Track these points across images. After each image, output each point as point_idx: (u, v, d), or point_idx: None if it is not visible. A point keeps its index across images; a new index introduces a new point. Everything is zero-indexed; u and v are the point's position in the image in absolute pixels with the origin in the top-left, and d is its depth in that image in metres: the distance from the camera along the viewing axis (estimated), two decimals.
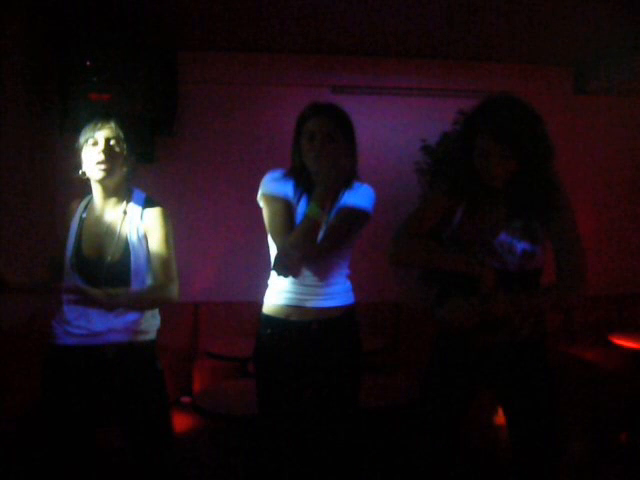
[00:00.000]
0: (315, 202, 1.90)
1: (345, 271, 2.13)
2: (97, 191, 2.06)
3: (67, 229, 2.09)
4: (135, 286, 2.01)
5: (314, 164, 1.96)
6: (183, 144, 4.20)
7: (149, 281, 2.05)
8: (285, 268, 1.98)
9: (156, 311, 2.12)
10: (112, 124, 2.03)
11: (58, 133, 3.70)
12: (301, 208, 2.01)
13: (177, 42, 3.95)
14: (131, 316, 2.02)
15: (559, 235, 1.88)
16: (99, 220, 2.06)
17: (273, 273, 2.08)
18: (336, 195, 2.03)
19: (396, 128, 4.38)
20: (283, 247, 1.95)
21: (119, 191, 2.07)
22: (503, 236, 1.91)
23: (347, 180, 2.02)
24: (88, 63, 3.53)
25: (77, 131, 2.06)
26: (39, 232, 3.45)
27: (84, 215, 2.09)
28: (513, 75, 4.42)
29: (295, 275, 2.01)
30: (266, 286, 2.14)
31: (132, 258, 2.01)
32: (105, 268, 1.99)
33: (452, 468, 2.02)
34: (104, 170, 1.99)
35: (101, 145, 1.99)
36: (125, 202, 2.07)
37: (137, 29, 3.66)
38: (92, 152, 1.99)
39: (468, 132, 1.91)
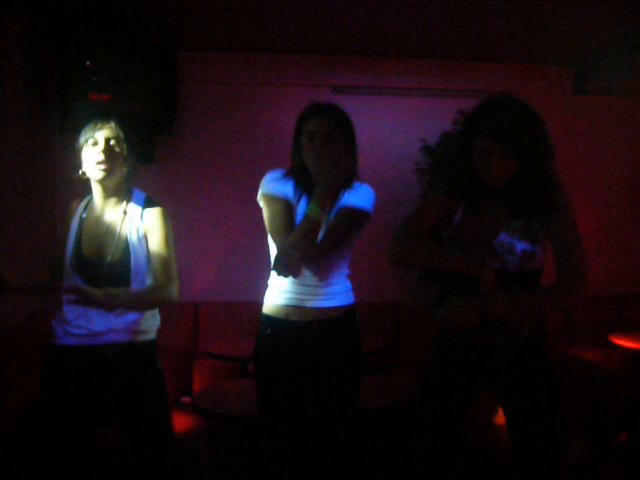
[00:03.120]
0: (315, 202, 1.90)
1: (345, 271, 2.13)
2: (97, 191, 2.06)
3: (67, 229, 2.09)
4: (135, 286, 2.01)
5: (314, 164, 1.95)
6: (183, 144, 4.20)
7: (149, 281, 2.05)
8: (285, 268, 1.98)
9: (156, 311, 2.12)
10: (112, 124, 2.03)
11: (58, 133, 3.69)
12: (301, 208, 2.00)
13: (177, 42, 3.95)
14: (131, 316, 2.02)
15: (559, 235, 1.88)
16: (99, 220, 2.06)
17: (273, 273, 2.08)
18: (336, 195, 2.02)
19: (396, 128, 4.38)
20: (283, 247, 1.95)
21: (119, 191, 2.07)
22: (503, 236, 1.91)
23: (347, 180, 2.02)
24: (88, 63, 3.53)
25: (77, 131, 2.06)
26: (39, 232, 3.45)
27: (84, 215, 2.09)
28: (513, 75, 4.42)
29: (295, 275, 2.01)
30: (266, 286, 2.14)
31: (132, 258, 2.01)
32: (105, 268, 1.99)
33: (452, 468, 2.02)
34: (104, 170, 1.99)
35: (101, 145, 1.99)
36: (125, 202, 2.07)
37: (137, 29, 3.66)
38: (92, 152, 1.99)
39: (468, 132, 1.91)
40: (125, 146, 2.04)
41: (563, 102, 4.53)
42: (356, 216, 2.02)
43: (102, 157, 1.98)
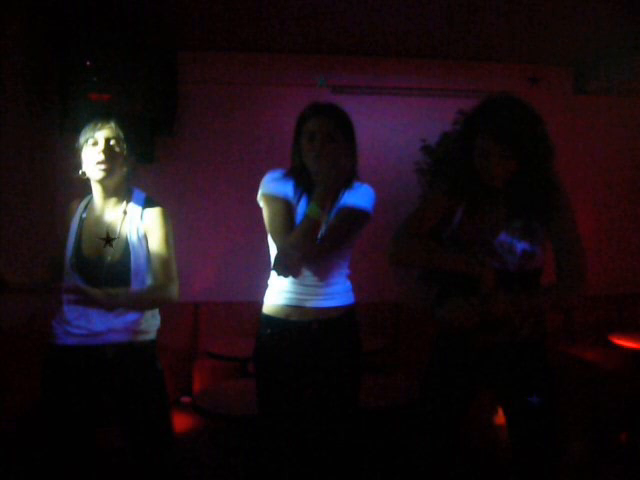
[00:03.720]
0: (315, 202, 1.90)
1: (345, 271, 2.13)
2: (97, 191, 2.06)
3: (67, 229, 2.09)
4: (135, 286, 2.01)
5: (314, 164, 1.95)
6: (183, 144, 4.20)
7: (149, 281, 2.05)
8: (285, 268, 1.98)
9: (156, 311, 2.12)
10: (112, 124, 2.03)
11: (58, 133, 3.70)
12: (301, 208, 2.00)
13: (177, 42, 3.95)
14: (131, 316, 2.02)
15: (559, 235, 1.88)
16: (99, 220, 2.06)
17: (273, 273, 2.08)
18: (336, 195, 2.02)
19: (396, 128, 4.38)
20: (283, 247, 1.95)
21: (119, 191, 2.07)
22: (503, 236, 1.91)
23: (347, 180, 2.02)
24: (88, 63, 3.53)
25: (77, 131, 2.06)
26: (39, 232, 3.45)
27: (84, 215, 2.09)
28: (513, 75, 4.42)
29: (295, 275, 2.01)
30: (266, 286, 2.14)
31: (132, 258, 2.01)
32: (105, 268, 1.99)
33: (452, 468, 2.02)
34: (104, 170, 1.99)
35: (101, 145, 1.99)
36: (125, 202, 2.07)
37: (137, 29, 3.66)
38: (92, 152, 1.99)
39: (468, 132, 1.91)
40: (125, 146, 2.04)
41: (563, 102, 4.53)
42: (356, 216, 2.02)
43: (102, 157, 1.98)
